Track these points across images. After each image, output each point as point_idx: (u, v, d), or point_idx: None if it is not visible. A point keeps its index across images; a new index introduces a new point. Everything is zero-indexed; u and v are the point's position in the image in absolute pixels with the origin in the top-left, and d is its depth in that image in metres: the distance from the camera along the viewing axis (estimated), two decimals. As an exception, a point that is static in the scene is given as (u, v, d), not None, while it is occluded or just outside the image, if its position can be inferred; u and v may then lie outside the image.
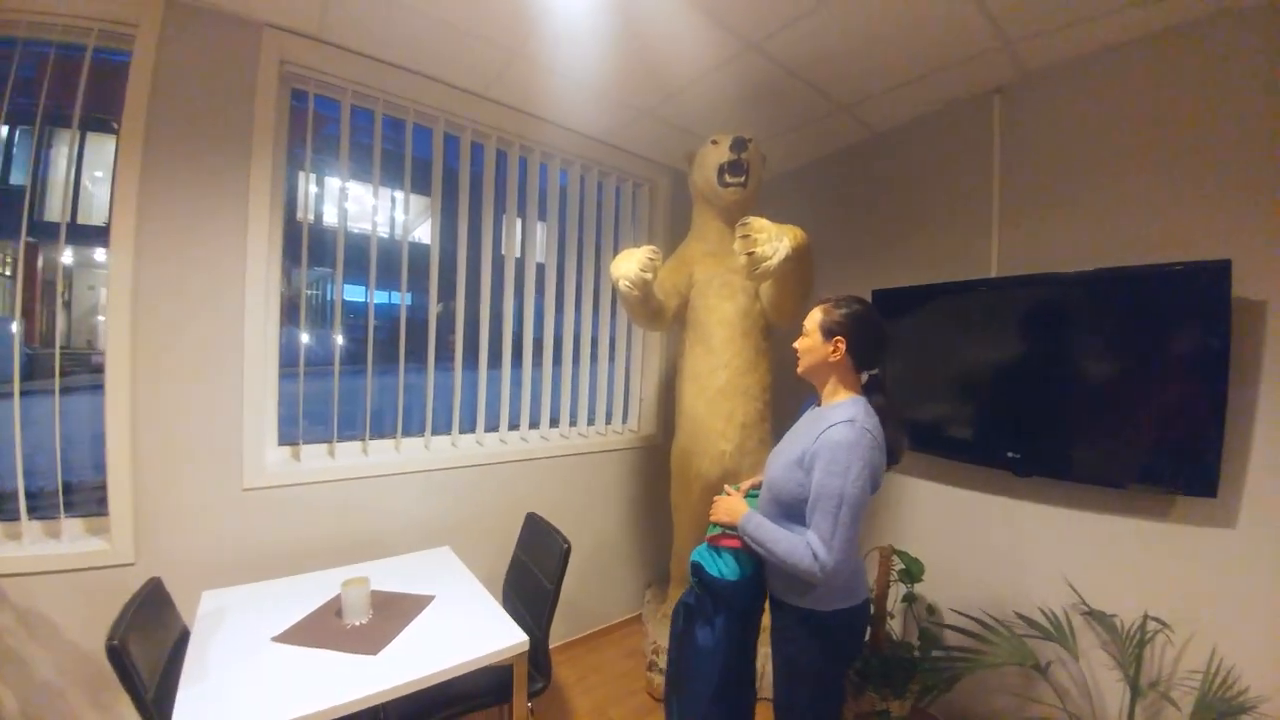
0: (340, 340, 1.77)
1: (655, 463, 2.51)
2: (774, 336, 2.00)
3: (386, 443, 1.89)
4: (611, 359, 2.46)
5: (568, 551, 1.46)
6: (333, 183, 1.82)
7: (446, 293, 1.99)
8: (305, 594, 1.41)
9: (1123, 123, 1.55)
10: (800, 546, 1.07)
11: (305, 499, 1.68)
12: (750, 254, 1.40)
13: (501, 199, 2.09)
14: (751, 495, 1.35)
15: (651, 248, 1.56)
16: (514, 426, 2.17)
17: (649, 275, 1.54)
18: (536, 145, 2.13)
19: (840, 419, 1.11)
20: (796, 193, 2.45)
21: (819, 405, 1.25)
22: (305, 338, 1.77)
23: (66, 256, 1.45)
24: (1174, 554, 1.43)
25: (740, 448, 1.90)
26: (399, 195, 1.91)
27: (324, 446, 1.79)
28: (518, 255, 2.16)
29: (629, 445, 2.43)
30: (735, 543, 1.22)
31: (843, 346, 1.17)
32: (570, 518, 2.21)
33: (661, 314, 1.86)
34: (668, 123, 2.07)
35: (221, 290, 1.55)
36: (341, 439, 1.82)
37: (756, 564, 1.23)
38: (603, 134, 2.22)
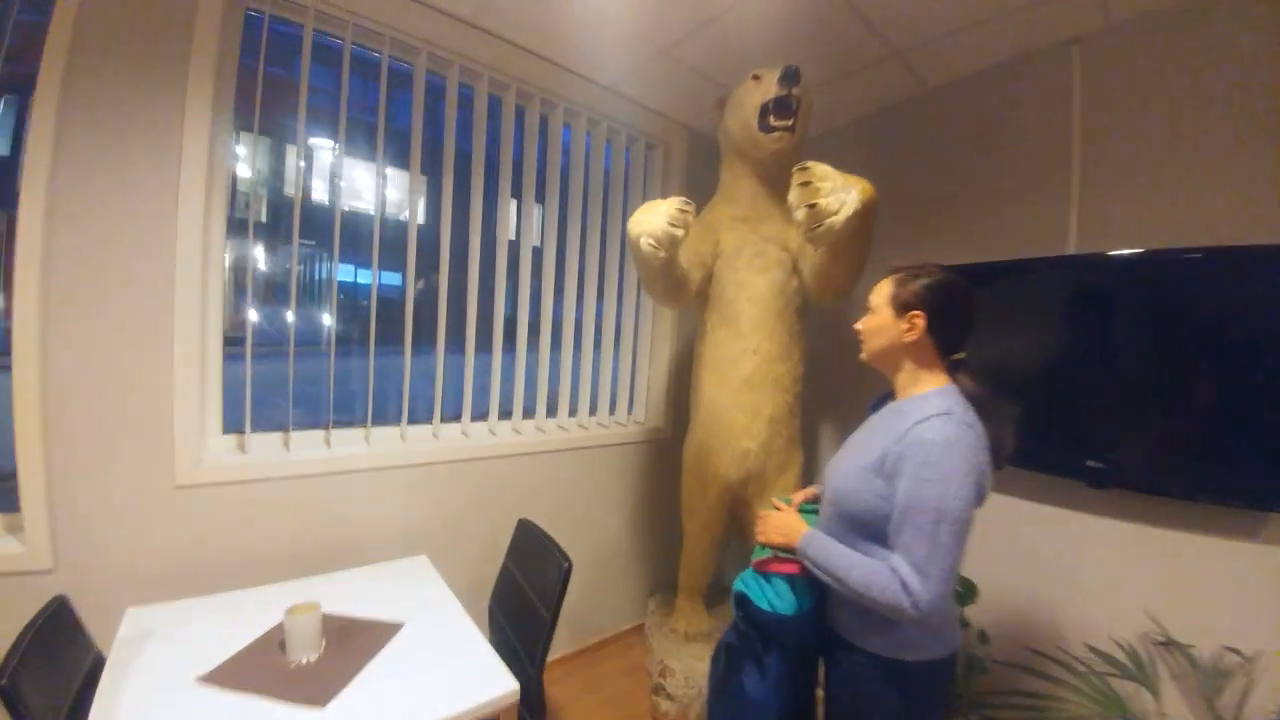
0: (291, 318, 1.50)
1: (663, 458, 2.26)
2: (810, 319, 1.73)
3: (354, 432, 1.62)
4: (617, 342, 2.19)
5: (568, 571, 1.20)
6: (302, 140, 1.52)
7: (428, 268, 1.71)
8: (249, 615, 1.15)
9: (1232, 76, 1.29)
10: (884, 574, 0.84)
11: (253, 498, 1.41)
12: (812, 206, 1.12)
13: (494, 161, 1.80)
14: (806, 510, 1.10)
15: (682, 199, 1.27)
16: (505, 416, 1.90)
17: (679, 232, 1.25)
18: (536, 91, 1.84)
19: (933, 411, 0.87)
20: (835, 156, 2.12)
21: (895, 399, 1.00)
22: (254, 315, 1.48)
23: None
24: (1265, 579, 1.20)
25: (766, 446, 1.65)
26: (377, 161, 1.61)
27: (278, 436, 1.52)
28: (512, 228, 1.86)
29: (634, 439, 2.17)
30: (791, 567, 0.98)
31: (921, 324, 0.93)
32: (568, 519, 1.97)
33: (683, 287, 1.58)
34: (688, 66, 1.78)
35: (149, 254, 1.26)
36: (300, 427, 1.55)
37: (818, 592, 0.99)
38: (612, 80, 1.92)
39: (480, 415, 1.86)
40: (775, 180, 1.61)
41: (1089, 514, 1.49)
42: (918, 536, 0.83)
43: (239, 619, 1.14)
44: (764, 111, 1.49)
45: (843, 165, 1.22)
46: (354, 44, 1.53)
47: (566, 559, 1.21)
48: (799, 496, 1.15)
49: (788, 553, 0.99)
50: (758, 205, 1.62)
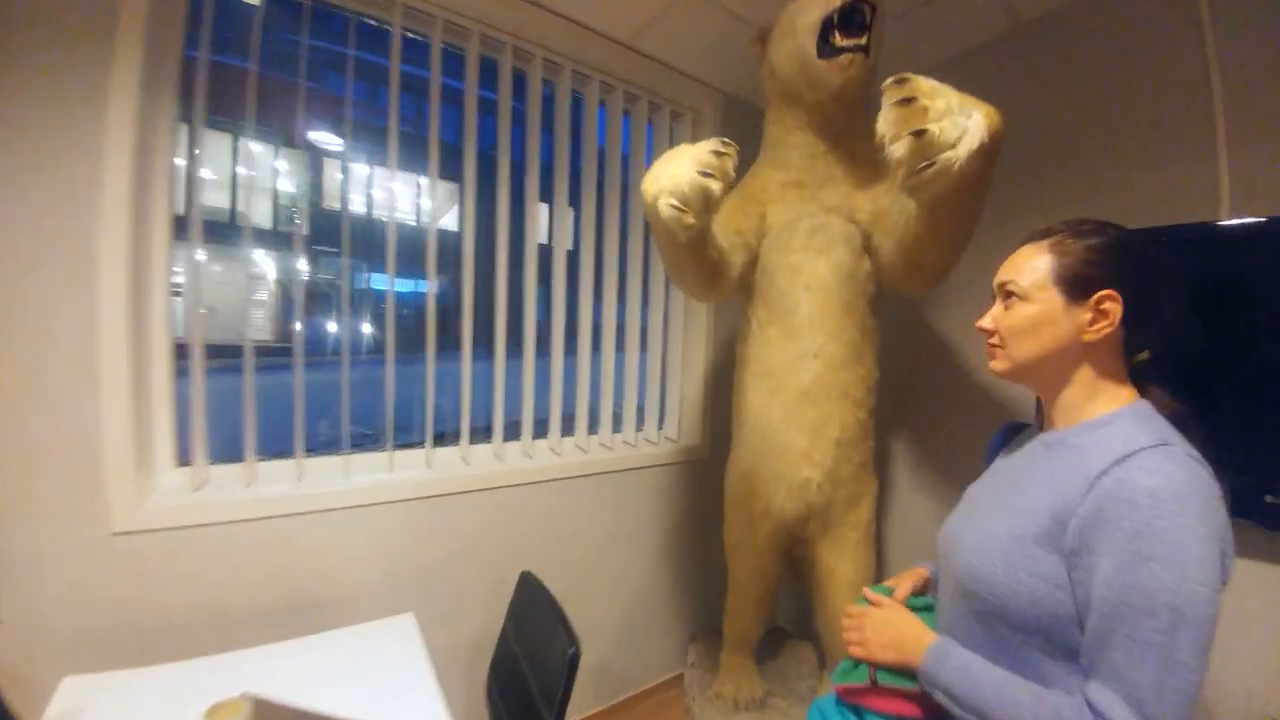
0: (248, 329, 1.25)
1: (700, 482, 1.93)
2: (886, 311, 1.37)
3: (331, 462, 1.36)
4: (643, 347, 1.87)
5: (575, 658, 0.89)
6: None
7: (412, 269, 1.45)
8: (197, 690, 0.89)
9: None
10: (1073, 715, 0.53)
11: (207, 546, 1.17)
12: (919, 134, 0.76)
13: (488, 132, 1.50)
14: (918, 606, 0.76)
15: (719, 139, 0.93)
16: (513, 436, 1.61)
17: (715, 185, 0.90)
18: (536, 49, 1.54)
19: (1139, 444, 0.55)
20: None
21: (1049, 428, 0.66)
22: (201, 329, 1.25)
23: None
24: None
25: (832, 475, 1.30)
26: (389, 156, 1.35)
27: (239, 468, 1.27)
28: (505, 216, 1.57)
29: (665, 460, 1.84)
30: (905, 707, 0.64)
31: (1116, 311, 0.60)
32: (588, 557, 1.67)
33: (721, 273, 1.22)
34: (721, 7, 1.44)
35: (71, 252, 1.03)
36: (266, 456, 1.30)
37: None
38: (630, 35, 1.61)
39: (483, 435, 1.58)
40: (840, 130, 1.26)
41: (1268, 563, 1.10)
42: (1138, 653, 0.51)
43: (189, 692, 0.89)
44: (825, 29, 1.11)
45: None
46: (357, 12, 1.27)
47: (573, 641, 0.90)
48: (905, 583, 0.80)
49: (898, 676, 0.65)
50: (816, 166, 1.27)
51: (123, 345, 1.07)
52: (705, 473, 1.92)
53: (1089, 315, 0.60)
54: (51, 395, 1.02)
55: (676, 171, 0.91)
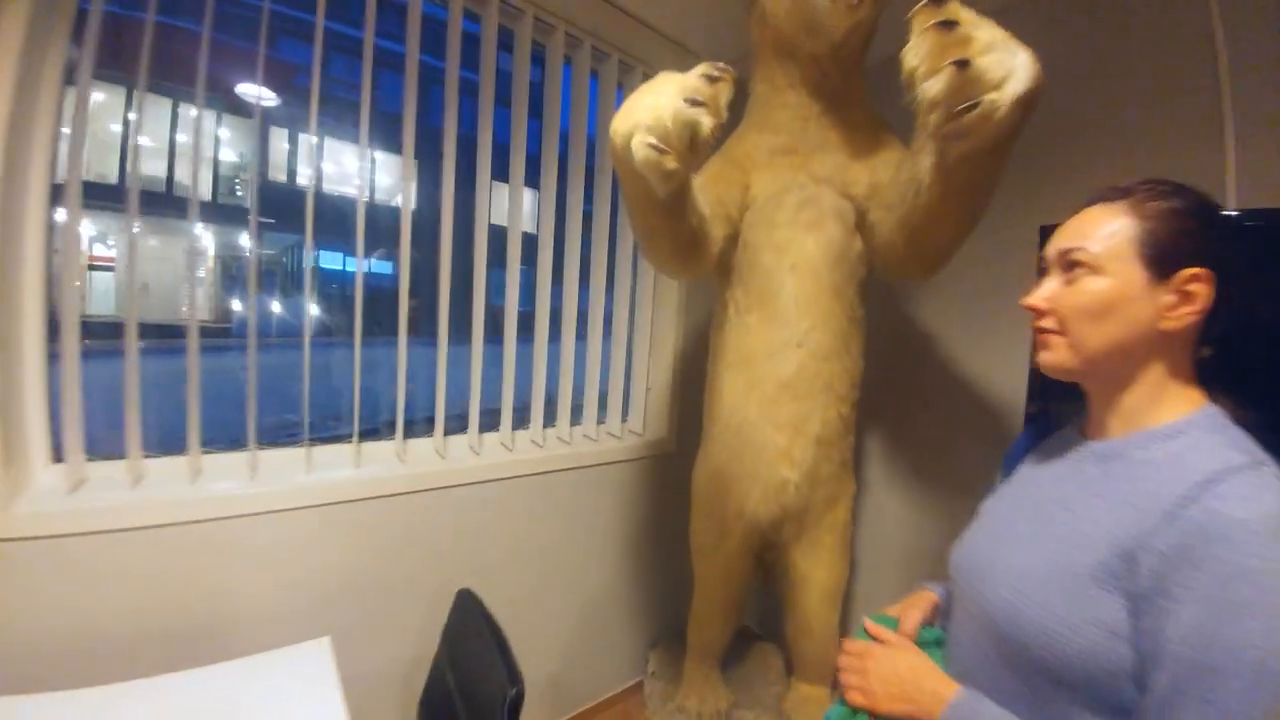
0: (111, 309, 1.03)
1: (667, 478, 1.80)
2: (875, 296, 1.26)
3: (237, 459, 1.16)
4: (607, 334, 1.71)
5: (516, 701, 0.74)
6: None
7: (331, 232, 1.24)
8: None
9: None
10: None
11: (86, 558, 0.96)
12: (962, 65, 0.61)
13: (433, 108, 1.29)
14: (928, 638, 0.64)
15: (712, 64, 0.74)
16: (457, 429, 1.44)
17: (704, 120, 0.72)
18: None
19: (1228, 464, 0.44)
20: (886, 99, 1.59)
21: (1099, 435, 0.55)
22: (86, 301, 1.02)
23: None
24: None
25: (812, 476, 1.19)
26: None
27: (124, 465, 1.06)
28: (451, 189, 1.38)
29: (629, 455, 1.70)
30: None
31: (1204, 293, 0.49)
32: (540, 561, 1.51)
33: (700, 243, 1.06)
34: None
35: None
36: (159, 453, 1.09)
37: None
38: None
39: (425, 428, 1.40)
40: (835, 92, 1.13)
41: None
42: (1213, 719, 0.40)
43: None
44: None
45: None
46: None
47: (515, 680, 0.75)
48: (913, 613, 0.68)
49: None
50: (808, 131, 1.13)
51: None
52: (672, 469, 1.80)
53: (1171, 298, 0.49)
54: None
55: (657, 102, 0.72)
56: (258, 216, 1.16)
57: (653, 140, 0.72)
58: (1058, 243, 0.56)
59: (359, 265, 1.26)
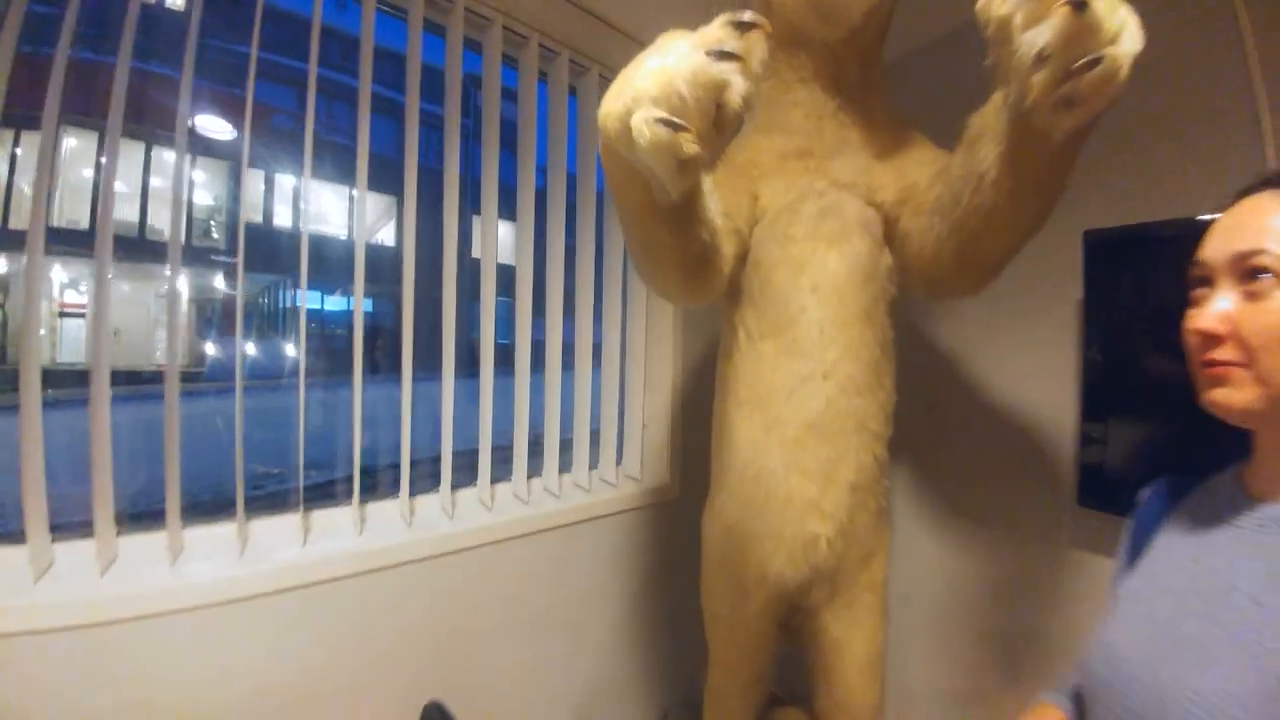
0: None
1: (671, 528, 1.60)
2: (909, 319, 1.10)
3: (150, 541, 0.95)
4: (596, 367, 1.53)
5: None
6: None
7: (311, 270, 1.07)
8: None
9: None
10: None
11: (52, 658, 0.76)
12: (1079, 7, 0.45)
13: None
14: None
15: (740, 15, 0.53)
16: (421, 488, 1.24)
17: (737, 81, 0.52)
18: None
19: None
20: (919, 83, 1.21)
21: (1274, 495, 0.38)
22: None
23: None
24: None
25: (846, 529, 1.00)
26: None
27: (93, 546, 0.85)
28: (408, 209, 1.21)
29: (627, 505, 1.50)
30: None
31: None
32: (533, 632, 1.30)
33: (711, 260, 0.85)
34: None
35: None
36: (129, 519, 0.89)
37: None
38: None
39: (385, 486, 1.20)
40: (853, 84, 0.98)
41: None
42: None
43: None
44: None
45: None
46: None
47: None
48: None
49: None
50: (824, 130, 0.98)
51: None
52: (676, 517, 1.60)
53: None
54: None
55: (665, 64, 0.52)
56: (240, 258, 1.01)
57: (663, 114, 0.51)
58: (1229, 244, 0.41)
59: (303, 298, 1.08)
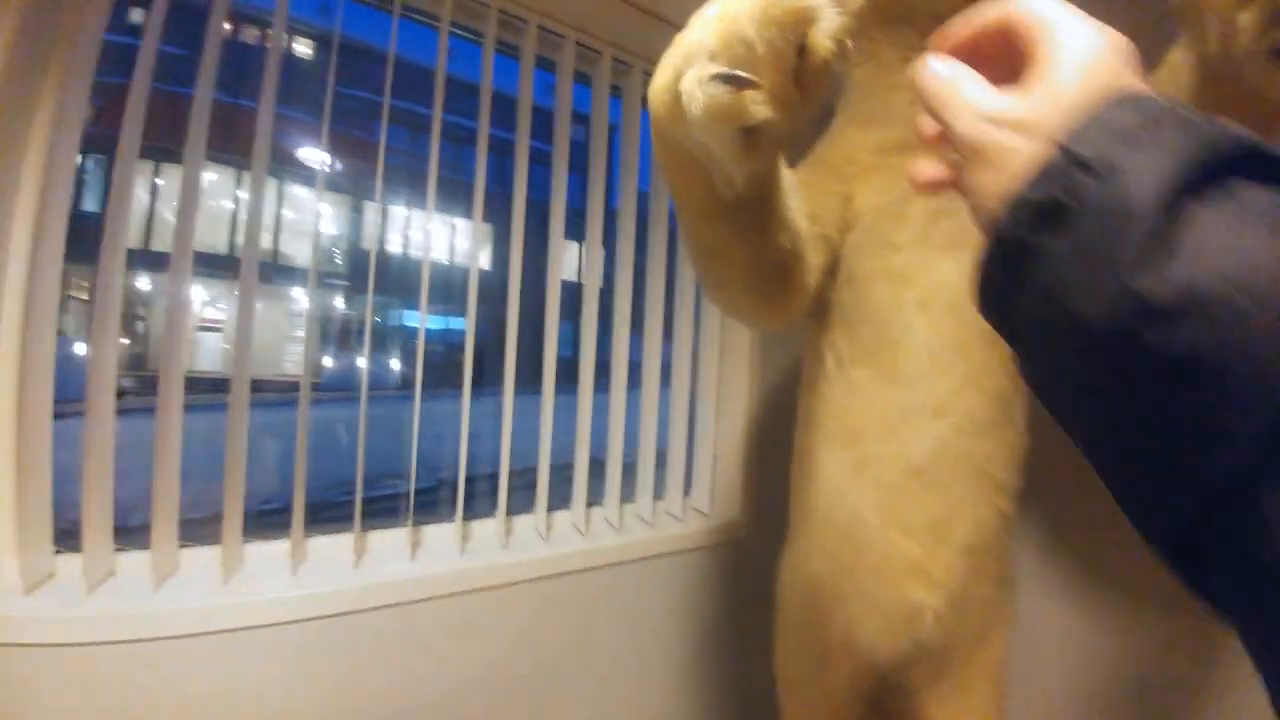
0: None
1: (742, 571, 1.44)
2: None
3: (273, 550, 0.96)
4: (665, 384, 1.43)
5: None
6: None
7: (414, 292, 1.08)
8: None
9: None
10: None
11: (23, 674, 0.77)
12: None
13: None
14: None
15: None
16: (473, 514, 1.18)
17: (826, 19, 0.36)
18: None
19: None
20: None
21: None
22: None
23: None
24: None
25: (957, 601, 0.82)
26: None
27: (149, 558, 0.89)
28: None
29: (694, 544, 1.37)
30: None
31: None
32: (580, 689, 1.19)
33: (792, 271, 0.72)
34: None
35: None
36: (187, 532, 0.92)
37: None
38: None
39: (430, 508, 1.16)
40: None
41: None
42: None
43: None
44: None
45: None
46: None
47: None
48: None
49: None
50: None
51: None
52: (747, 558, 1.44)
53: None
54: None
55: (727, 9, 0.38)
56: (370, 282, 1.07)
57: (721, 68, 0.38)
58: None
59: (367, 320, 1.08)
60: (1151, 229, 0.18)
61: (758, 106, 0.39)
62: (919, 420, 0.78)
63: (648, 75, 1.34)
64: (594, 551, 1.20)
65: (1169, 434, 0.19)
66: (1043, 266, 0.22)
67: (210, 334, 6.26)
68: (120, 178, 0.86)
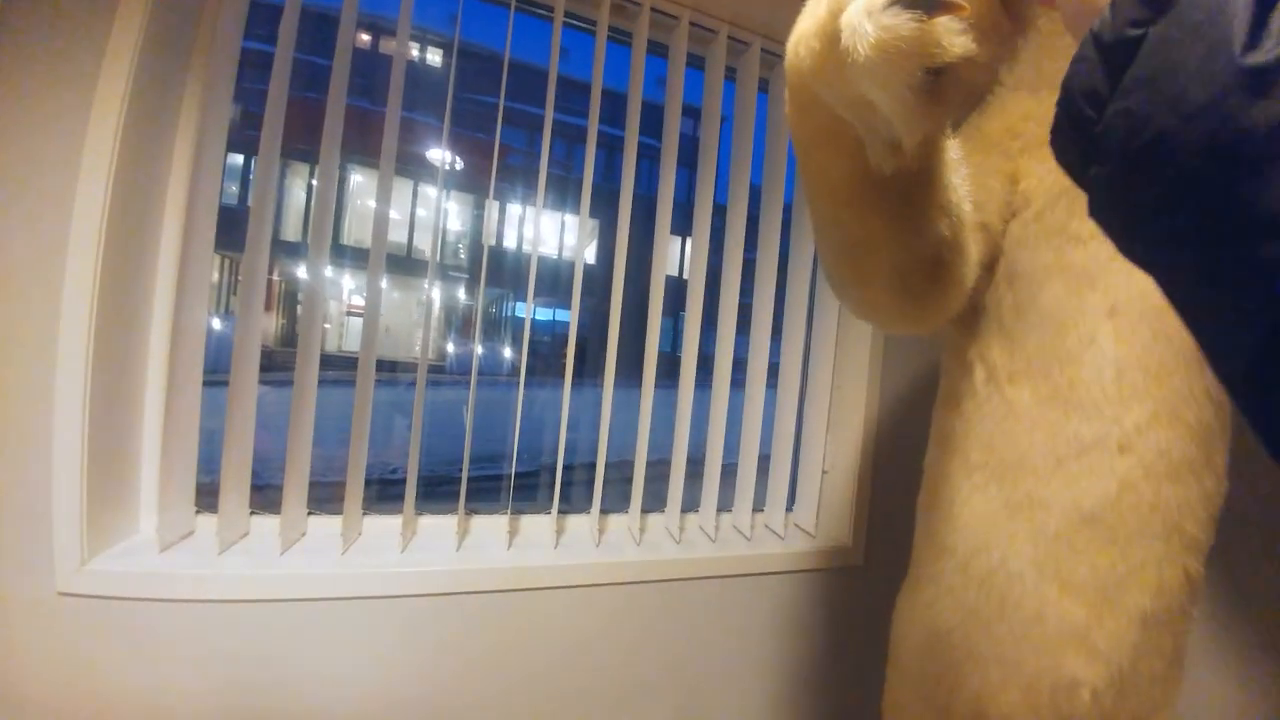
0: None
1: (849, 603, 1.31)
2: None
3: (387, 524, 1.05)
4: (771, 386, 1.33)
5: None
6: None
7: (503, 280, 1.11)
8: None
9: None
10: None
11: (156, 627, 0.89)
12: None
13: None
14: None
15: None
16: (564, 506, 1.18)
17: None
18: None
19: None
20: None
21: None
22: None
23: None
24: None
25: (1124, 679, 0.65)
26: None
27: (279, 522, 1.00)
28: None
29: (796, 565, 1.25)
30: None
31: None
32: (654, 702, 1.15)
33: (947, 265, 0.58)
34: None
35: (43, 253, 0.83)
36: (263, 509, 1.02)
37: None
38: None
39: (527, 494, 1.17)
40: None
41: None
42: None
43: None
44: None
45: None
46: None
47: None
48: None
49: None
50: None
51: (79, 361, 0.83)
52: (856, 589, 1.30)
53: None
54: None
55: None
56: (483, 274, 1.13)
57: (895, 19, 0.30)
58: None
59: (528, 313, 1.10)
60: (1254, 13, 0.20)
61: (957, 37, 0.30)
62: (1098, 456, 0.62)
63: (766, 53, 1.26)
64: (688, 562, 1.15)
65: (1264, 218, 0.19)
66: (1147, 54, 0.22)
67: (357, 318, 7.13)
68: (262, 175, 0.95)
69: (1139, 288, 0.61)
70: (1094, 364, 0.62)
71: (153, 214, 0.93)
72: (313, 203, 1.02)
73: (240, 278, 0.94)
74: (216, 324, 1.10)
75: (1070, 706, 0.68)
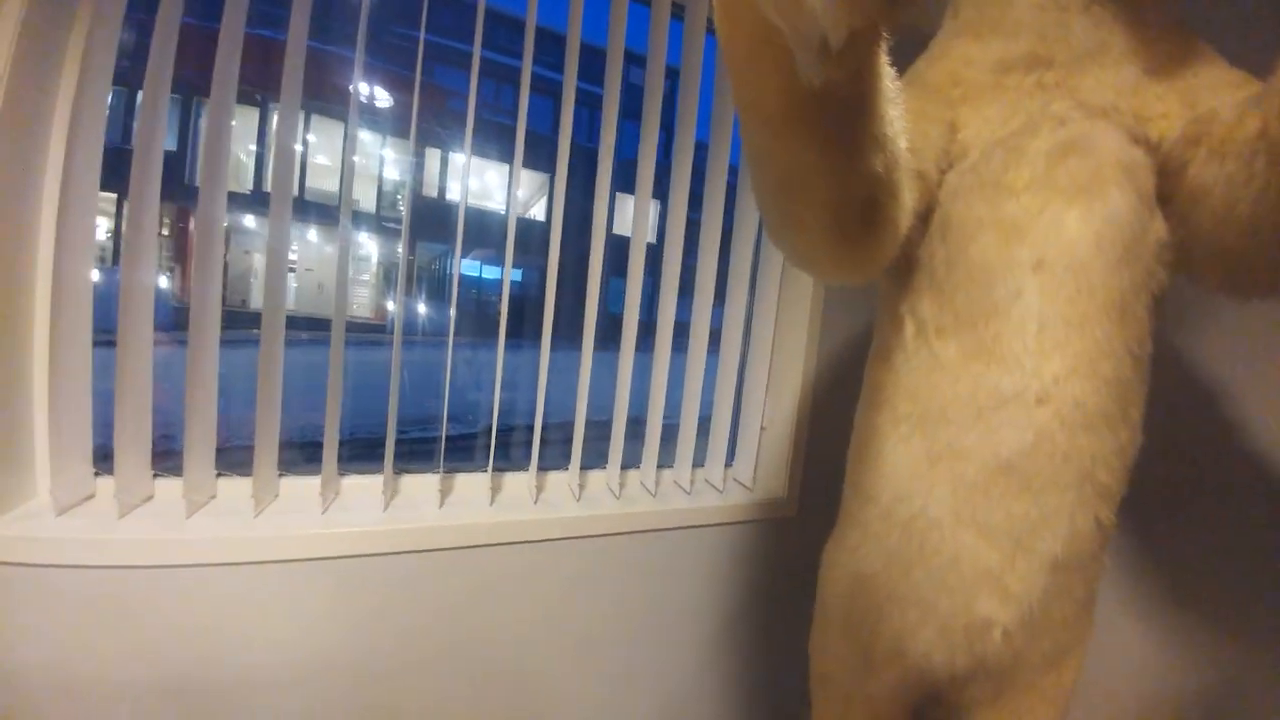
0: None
1: (782, 553, 1.36)
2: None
3: (306, 485, 0.98)
4: (713, 350, 1.32)
5: None
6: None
7: (473, 241, 1.01)
8: None
9: None
10: None
11: (60, 593, 0.81)
12: None
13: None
14: None
15: None
16: (503, 465, 1.15)
17: None
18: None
19: None
20: None
21: None
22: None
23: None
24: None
25: (1033, 620, 0.70)
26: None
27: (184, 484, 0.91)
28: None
29: (733, 517, 1.29)
30: None
31: None
32: (600, 655, 1.17)
33: (882, 208, 0.57)
34: None
35: None
36: (160, 469, 0.94)
37: None
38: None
39: (462, 453, 1.13)
40: None
41: None
42: None
43: None
44: None
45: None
46: None
47: None
48: None
49: None
50: (1071, 30, 0.65)
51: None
52: (789, 539, 1.35)
53: None
54: None
55: None
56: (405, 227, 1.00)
57: None
58: None
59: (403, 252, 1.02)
60: None
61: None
62: (1016, 407, 0.65)
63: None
64: (628, 516, 1.15)
65: None
66: None
67: (291, 273, 6.66)
68: (149, 109, 0.82)
69: (1067, 240, 0.62)
70: (1019, 318, 0.64)
71: (37, 156, 0.80)
72: (206, 143, 0.90)
73: (125, 223, 0.82)
74: (164, 282, 0.98)
75: (983, 645, 0.72)
